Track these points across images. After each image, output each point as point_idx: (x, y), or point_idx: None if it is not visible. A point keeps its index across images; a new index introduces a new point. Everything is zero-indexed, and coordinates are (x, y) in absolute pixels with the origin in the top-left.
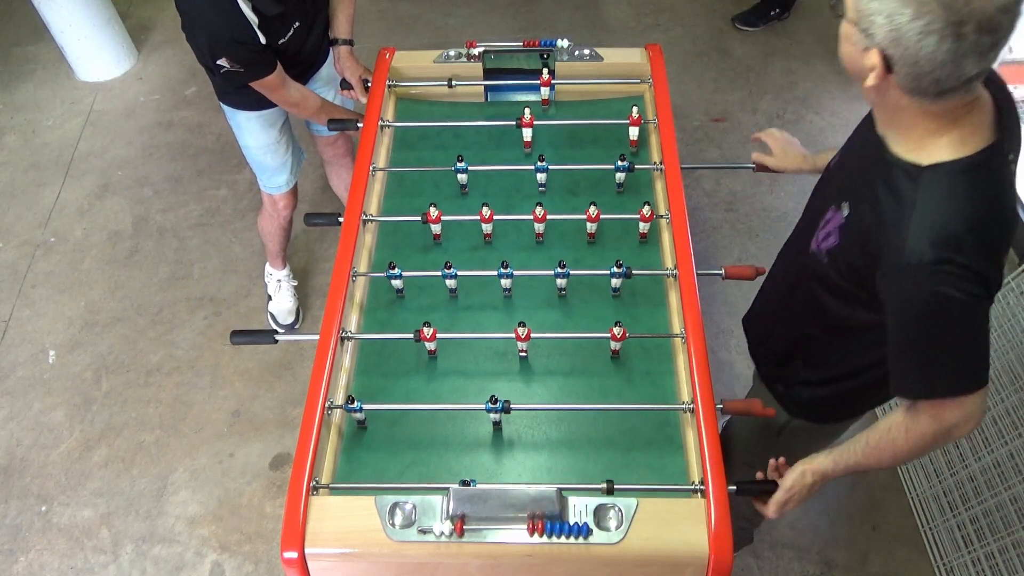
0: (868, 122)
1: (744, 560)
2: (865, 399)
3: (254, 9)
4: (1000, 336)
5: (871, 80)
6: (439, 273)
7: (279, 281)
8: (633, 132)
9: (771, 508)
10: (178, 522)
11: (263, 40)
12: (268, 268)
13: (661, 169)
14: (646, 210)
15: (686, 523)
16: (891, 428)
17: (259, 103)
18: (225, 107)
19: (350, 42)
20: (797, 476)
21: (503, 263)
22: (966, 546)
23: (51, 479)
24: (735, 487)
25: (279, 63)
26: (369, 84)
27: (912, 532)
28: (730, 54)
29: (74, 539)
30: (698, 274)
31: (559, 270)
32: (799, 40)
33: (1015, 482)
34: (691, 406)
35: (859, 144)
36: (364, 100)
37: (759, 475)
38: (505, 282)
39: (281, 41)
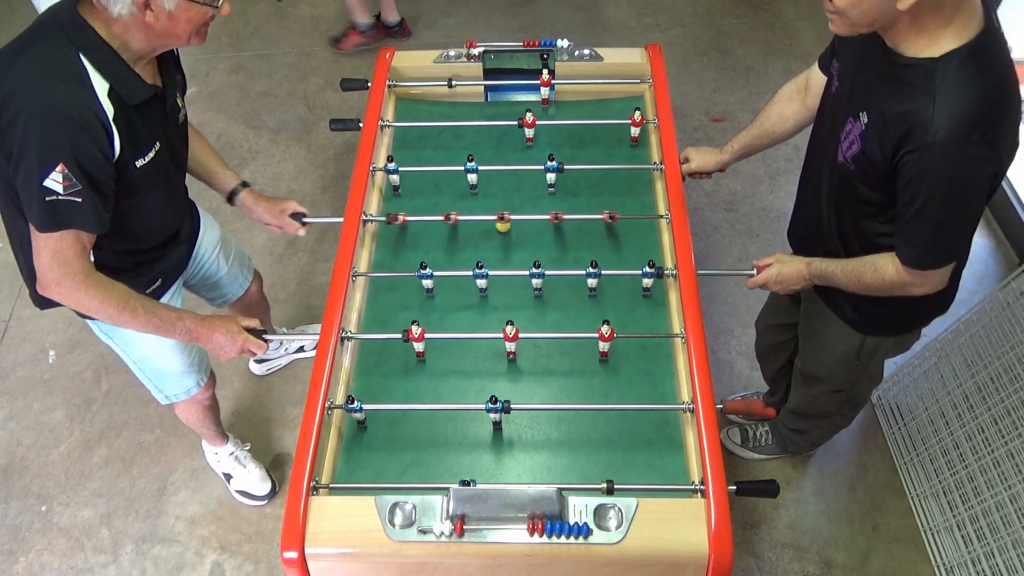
0: (864, 47)
1: (744, 560)
2: (931, 302)
3: (112, 94)
4: (1000, 336)
5: (906, 2)
6: (470, 273)
7: (232, 455)
8: (633, 131)
9: (750, 282)
10: (178, 522)
11: (117, 146)
12: (208, 449)
13: (661, 169)
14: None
15: (686, 523)
16: (869, 262)
17: (160, 279)
18: (95, 326)
19: (245, 184)
20: (776, 265)
21: (535, 263)
22: (966, 546)
23: (51, 479)
24: (735, 487)
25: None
26: (303, 219)
27: (912, 532)
28: (730, 54)
29: (74, 539)
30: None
31: (591, 270)
32: (799, 40)
33: (1015, 482)
34: (691, 406)
35: (865, 65)
36: (302, 234)
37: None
38: (536, 281)
39: (140, 163)
